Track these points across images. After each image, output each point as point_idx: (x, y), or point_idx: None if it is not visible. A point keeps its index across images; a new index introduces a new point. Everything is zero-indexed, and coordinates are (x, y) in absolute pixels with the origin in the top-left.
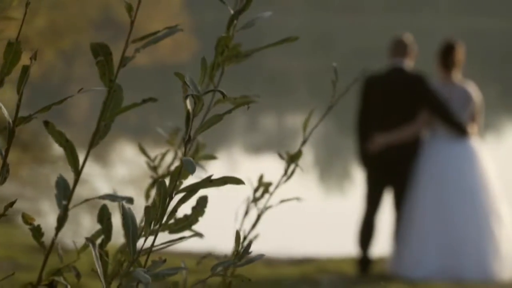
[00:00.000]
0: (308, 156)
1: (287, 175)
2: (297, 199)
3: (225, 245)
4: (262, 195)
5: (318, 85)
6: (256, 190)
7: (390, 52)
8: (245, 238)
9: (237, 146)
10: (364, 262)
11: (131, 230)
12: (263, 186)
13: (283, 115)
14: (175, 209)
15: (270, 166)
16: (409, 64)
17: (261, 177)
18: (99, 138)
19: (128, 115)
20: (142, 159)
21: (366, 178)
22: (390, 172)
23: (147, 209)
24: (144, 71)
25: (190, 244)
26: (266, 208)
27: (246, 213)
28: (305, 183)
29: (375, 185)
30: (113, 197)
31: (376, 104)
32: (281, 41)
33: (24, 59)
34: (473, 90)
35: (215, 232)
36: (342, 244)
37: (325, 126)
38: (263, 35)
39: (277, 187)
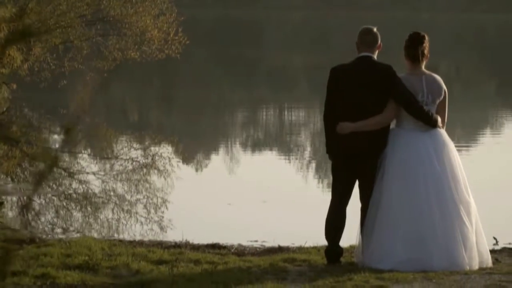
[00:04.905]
0: (304, 150)
1: (68, 143)
2: None
3: (197, 237)
4: None
5: (317, 80)
6: None
7: (358, 43)
8: None
9: (237, 141)
10: (333, 252)
11: None
12: None
13: (283, 110)
14: None
15: (270, 160)
16: (375, 55)
17: None
18: None
19: (127, 111)
20: (135, 154)
21: (334, 168)
22: (358, 162)
23: None
24: (136, 65)
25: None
26: None
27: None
28: (302, 176)
29: (343, 175)
30: None
31: (344, 94)
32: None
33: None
34: (441, 82)
35: (186, 223)
36: (313, 234)
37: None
38: (265, 29)
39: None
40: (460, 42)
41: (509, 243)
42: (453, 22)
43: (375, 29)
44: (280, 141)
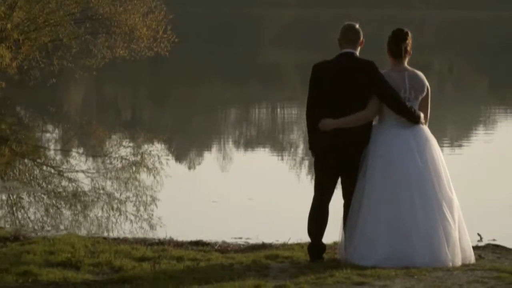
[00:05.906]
0: (292, 148)
1: None
2: None
3: (180, 234)
4: None
5: (309, 78)
6: None
7: (340, 39)
8: None
9: (227, 139)
10: (315, 249)
11: None
12: None
13: (275, 108)
14: None
15: (259, 158)
16: (357, 51)
17: None
18: None
19: (117, 109)
20: (124, 152)
21: (316, 165)
22: (340, 159)
23: None
24: (127, 63)
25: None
26: None
27: None
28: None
29: (326, 171)
30: None
31: (326, 90)
32: None
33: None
34: (424, 78)
35: (170, 221)
36: (297, 231)
37: None
38: (260, 27)
39: None
40: (453, 40)
41: (493, 240)
42: (447, 20)
43: (357, 26)
44: (269, 139)
